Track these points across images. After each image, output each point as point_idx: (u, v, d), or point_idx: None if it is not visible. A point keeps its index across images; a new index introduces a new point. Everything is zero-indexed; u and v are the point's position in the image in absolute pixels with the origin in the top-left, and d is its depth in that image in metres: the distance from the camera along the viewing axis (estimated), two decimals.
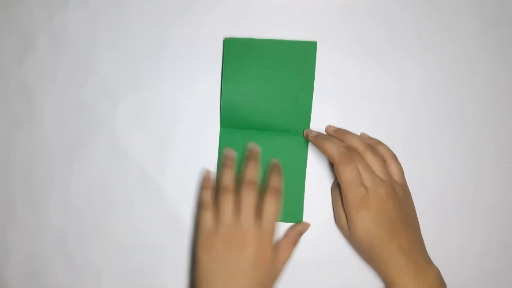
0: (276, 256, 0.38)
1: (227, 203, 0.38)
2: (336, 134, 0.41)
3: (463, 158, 0.42)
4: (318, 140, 0.40)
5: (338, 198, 0.40)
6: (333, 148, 0.38)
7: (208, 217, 0.38)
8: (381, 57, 0.43)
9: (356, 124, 0.43)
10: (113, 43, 0.44)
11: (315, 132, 0.41)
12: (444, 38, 0.43)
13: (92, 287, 0.43)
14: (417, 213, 0.41)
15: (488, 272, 0.41)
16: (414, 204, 0.40)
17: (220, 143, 0.42)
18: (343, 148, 0.38)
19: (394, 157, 0.40)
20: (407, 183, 0.40)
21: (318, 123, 0.43)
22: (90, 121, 0.44)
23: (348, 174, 0.37)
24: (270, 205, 0.38)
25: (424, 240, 0.39)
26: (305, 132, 0.42)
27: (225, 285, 0.36)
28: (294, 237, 0.40)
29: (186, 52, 0.44)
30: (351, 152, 0.38)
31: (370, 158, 0.39)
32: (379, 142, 0.41)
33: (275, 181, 0.39)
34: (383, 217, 0.36)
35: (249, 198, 0.38)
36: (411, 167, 0.42)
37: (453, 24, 0.43)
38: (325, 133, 0.42)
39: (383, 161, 0.39)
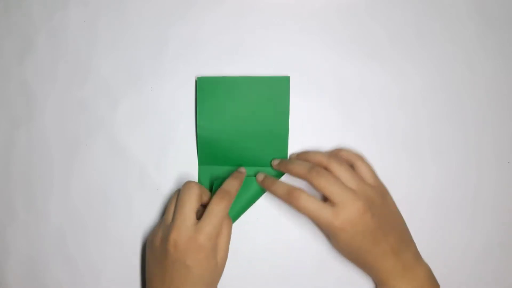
0: (214, 255, 0.37)
1: (172, 205, 0.39)
2: (299, 157, 0.41)
3: (463, 158, 0.42)
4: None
5: None
6: (279, 189, 0.38)
7: (172, 206, 0.39)
8: (381, 57, 0.43)
9: (356, 124, 0.43)
10: (113, 43, 0.44)
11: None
12: (444, 38, 0.43)
13: (92, 287, 0.43)
14: (417, 213, 0.41)
15: (488, 272, 0.41)
16: (402, 204, 0.39)
17: (199, 180, 0.43)
18: (287, 185, 0.37)
19: (360, 158, 0.39)
20: (407, 183, 0.40)
21: (318, 123, 0.43)
22: (90, 121, 0.44)
23: (307, 207, 0.36)
24: (213, 206, 0.37)
25: (422, 237, 0.39)
26: (271, 163, 0.42)
27: (162, 282, 0.37)
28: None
29: (186, 52, 0.44)
30: (310, 169, 0.37)
31: (336, 167, 0.37)
32: (341, 149, 0.40)
33: (228, 183, 0.39)
34: (362, 230, 0.35)
35: (217, 214, 0.37)
36: (411, 167, 0.42)
37: (453, 24, 0.43)
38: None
39: (350, 167, 0.38)
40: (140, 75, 0.44)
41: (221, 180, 0.40)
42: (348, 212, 0.35)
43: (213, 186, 0.42)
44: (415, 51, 0.43)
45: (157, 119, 0.44)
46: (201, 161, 0.43)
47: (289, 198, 0.37)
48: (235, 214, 0.41)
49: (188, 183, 0.39)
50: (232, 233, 0.41)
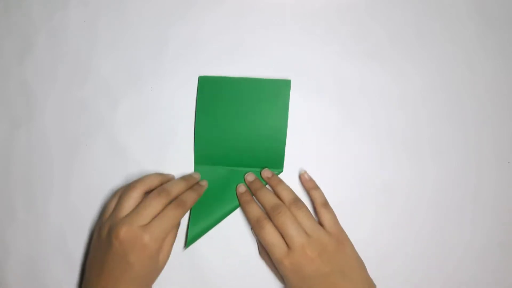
0: (157, 256, 0.37)
1: (132, 197, 0.38)
2: (269, 182, 0.41)
3: (463, 158, 0.42)
4: (254, 185, 0.41)
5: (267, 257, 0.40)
6: (250, 213, 0.39)
7: (113, 203, 0.40)
8: (381, 57, 0.43)
9: (356, 124, 0.43)
10: (113, 43, 0.44)
11: (244, 187, 0.42)
12: (444, 38, 0.43)
13: None
14: (417, 213, 0.41)
15: (488, 272, 0.41)
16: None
17: None
18: (259, 211, 0.39)
19: (324, 204, 0.40)
20: (407, 184, 0.40)
21: (318, 124, 0.43)
22: (90, 121, 0.44)
23: (266, 239, 0.37)
24: (167, 212, 0.37)
25: (422, 237, 0.39)
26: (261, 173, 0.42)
27: (98, 278, 0.37)
28: (178, 222, 0.40)
29: (186, 52, 0.44)
30: (277, 207, 0.38)
31: (298, 212, 0.38)
32: (315, 188, 0.41)
33: (187, 194, 0.39)
34: (312, 276, 0.36)
35: (154, 206, 0.37)
36: (411, 167, 0.42)
37: (453, 24, 0.43)
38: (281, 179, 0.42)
39: (310, 213, 0.39)
40: (140, 75, 0.44)
41: (217, 184, 0.41)
42: (298, 255, 0.36)
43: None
44: (415, 51, 0.43)
45: (157, 119, 0.44)
46: (197, 161, 0.43)
47: (255, 224, 0.39)
48: (223, 206, 0.41)
49: (147, 178, 0.39)
50: (232, 233, 0.41)
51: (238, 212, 0.42)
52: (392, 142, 0.42)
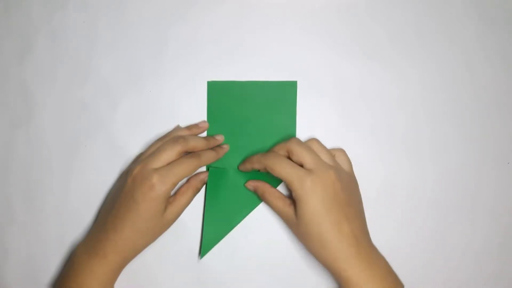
0: (163, 204, 0.37)
1: (153, 146, 0.40)
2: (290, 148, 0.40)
3: (463, 159, 0.42)
4: (262, 156, 0.40)
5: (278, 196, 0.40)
6: (280, 144, 0.40)
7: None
8: (381, 57, 0.43)
9: (356, 125, 0.43)
10: (113, 44, 0.44)
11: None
12: (444, 38, 0.43)
13: None
14: (417, 214, 0.41)
15: (488, 272, 0.41)
16: (419, 201, 0.41)
17: (208, 183, 0.42)
18: (274, 152, 0.39)
19: (342, 150, 0.40)
20: (407, 184, 0.40)
21: (318, 124, 0.43)
22: (90, 122, 0.44)
23: (287, 166, 0.37)
24: (183, 159, 0.38)
25: (422, 237, 0.40)
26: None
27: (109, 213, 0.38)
28: (195, 184, 0.40)
29: (186, 52, 0.44)
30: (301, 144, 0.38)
31: (317, 146, 0.39)
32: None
33: (205, 151, 0.40)
34: (332, 199, 0.36)
35: (169, 151, 0.38)
36: (411, 167, 0.42)
37: (452, 25, 0.43)
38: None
39: (330, 152, 0.39)
40: (140, 75, 0.44)
41: (230, 187, 0.41)
42: (321, 175, 0.36)
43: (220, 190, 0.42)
44: (415, 51, 0.43)
45: (157, 120, 0.43)
46: (210, 163, 0.43)
47: (270, 157, 0.38)
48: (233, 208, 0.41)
49: (177, 131, 0.41)
50: (231, 233, 0.41)
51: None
52: (392, 142, 0.42)
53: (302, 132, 0.43)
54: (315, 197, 0.35)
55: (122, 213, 0.37)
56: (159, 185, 0.36)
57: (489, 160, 0.42)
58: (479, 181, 0.42)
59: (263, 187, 0.40)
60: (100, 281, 0.37)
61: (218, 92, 0.43)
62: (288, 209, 0.38)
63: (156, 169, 0.37)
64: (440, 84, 0.43)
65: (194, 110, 0.43)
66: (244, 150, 0.42)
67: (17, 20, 0.45)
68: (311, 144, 0.39)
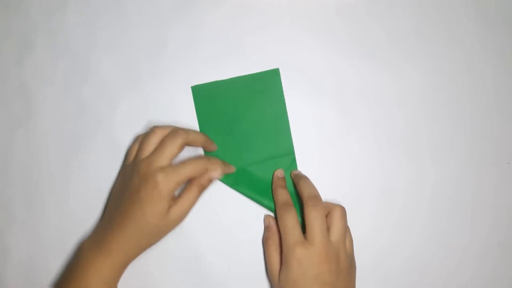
0: (168, 202, 0.37)
1: (151, 143, 0.39)
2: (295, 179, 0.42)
3: (463, 159, 0.42)
4: (276, 183, 0.41)
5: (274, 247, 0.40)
6: (281, 195, 0.40)
7: (134, 148, 0.40)
8: (380, 57, 0.43)
9: (356, 125, 0.43)
10: (112, 44, 0.44)
11: (283, 172, 0.42)
12: (444, 38, 0.43)
13: None
14: (417, 214, 0.41)
15: (488, 272, 0.41)
16: (415, 207, 0.40)
17: None
18: (289, 198, 0.40)
19: (349, 231, 0.40)
20: (407, 184, 0.40)
21: (317, 124, 0.43)
22: (89, 122, 0.44)
23: (288, 221, 0.37)
24: (191, 160, 0.38)
25: (422, 237, 0.39)
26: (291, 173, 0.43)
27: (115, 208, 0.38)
28: (200, 182, 0.39)
29: (185, 52, 0.44)
30: (317, 199, 0.38)
31: (336, 215, 0.38)
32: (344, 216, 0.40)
33: (203, 177, 0.39)
34: (313, 275, 0.35)
35: (171, 146, 0.37)
36: (411, 167, 0.42)
37: (452, 25, 0.43)
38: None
39: (342, 225, 0.38)
40: (139, 76, 0.44)
41: (244, 186, 0.41)
42: (313, 250, 0.36)
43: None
44: (415, 52, 0.43)
45: (156, 120, 0.43)
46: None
47: (282, 206, 0.39)
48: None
49: (181, 130, 0.39)
50: (231, 233, 0.41)
51: (240, 216, 0.42)
52: (391, 143, 0.42)
53: (302, 132, 0.43)
54: (298, 270, 0.36)
55: (128, 211, 0.37)
56: (163, 184, 0.36)
57: (489, 160, 0.42)
58: (479, 181, 0.42)
59: (273, 234, 0.40)
60: (105, 279, 0.37)
61: (204, 95, 0.43)
62: (277, 267, 0.38)
63: (162, 168, 0.37)
64: (440, 84, 0.43)
65: (194, 110, 0.43)
66: (240, 146, 0.42)
67: (16, 20, 0.45)
68: (334, 211, 0.38)
